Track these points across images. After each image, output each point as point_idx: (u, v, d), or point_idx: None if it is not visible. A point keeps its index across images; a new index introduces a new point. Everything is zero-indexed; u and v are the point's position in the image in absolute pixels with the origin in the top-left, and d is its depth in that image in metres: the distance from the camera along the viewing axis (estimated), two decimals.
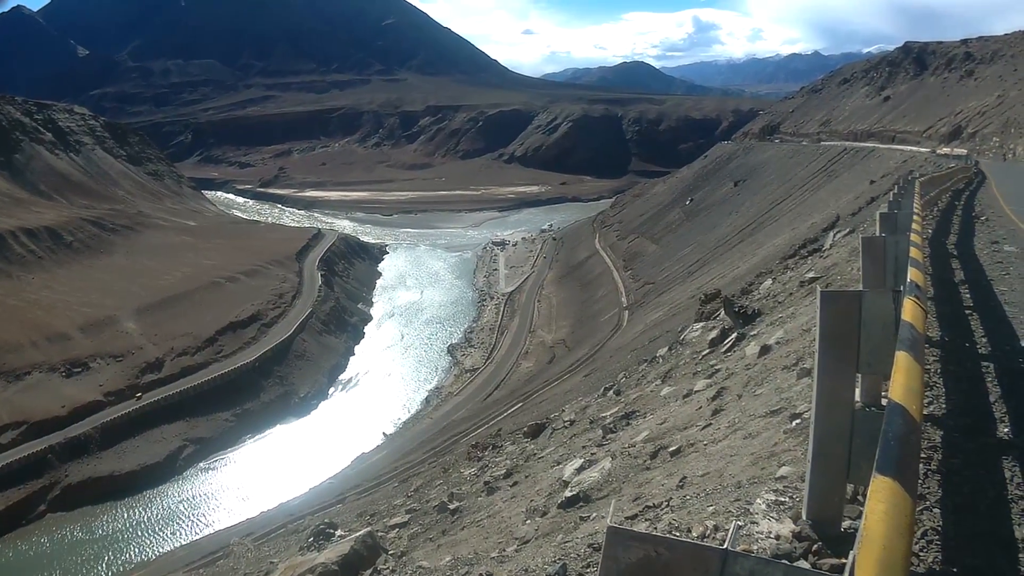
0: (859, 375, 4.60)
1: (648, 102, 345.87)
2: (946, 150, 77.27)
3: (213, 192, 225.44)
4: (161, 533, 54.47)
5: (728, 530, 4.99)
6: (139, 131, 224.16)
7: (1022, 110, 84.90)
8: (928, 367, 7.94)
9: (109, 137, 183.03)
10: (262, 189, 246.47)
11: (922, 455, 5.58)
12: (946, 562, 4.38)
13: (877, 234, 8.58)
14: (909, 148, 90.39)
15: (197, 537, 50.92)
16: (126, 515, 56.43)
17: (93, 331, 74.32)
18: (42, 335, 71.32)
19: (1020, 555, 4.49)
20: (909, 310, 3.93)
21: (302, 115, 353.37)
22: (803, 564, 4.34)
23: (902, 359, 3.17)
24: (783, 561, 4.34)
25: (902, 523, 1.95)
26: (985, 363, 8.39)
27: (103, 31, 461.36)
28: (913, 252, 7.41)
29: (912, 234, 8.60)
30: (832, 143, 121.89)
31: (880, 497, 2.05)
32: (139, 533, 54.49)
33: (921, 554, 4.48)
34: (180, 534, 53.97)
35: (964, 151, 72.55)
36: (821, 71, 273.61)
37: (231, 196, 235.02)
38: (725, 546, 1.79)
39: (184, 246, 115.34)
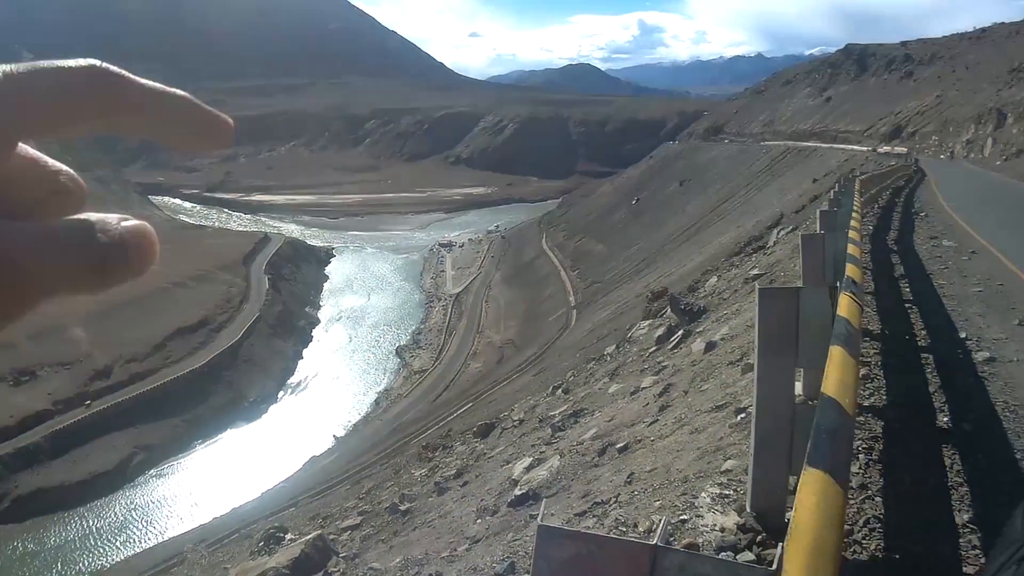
0: (800, 370, 4.69)
1: (594, 104, 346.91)
2: (886, 149, 78.33)
3: (160, 197, 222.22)
4: (114, 542, 53.64)
5: (672, 524, 5.07)
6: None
7: (960, 110, 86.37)
8: (869, 360, 8.10)
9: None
10: (209, 194, 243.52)
11: (864, 445, 5.70)
12: (888, 549, 4.48)
13: (817, 231, 8.73)
14: (851, 147, 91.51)
15: (150, 545, 50.14)
16: (78, 525, 55.54)
17: (40, 339, 73.00)
18: None
19: (961, 541, 4.61)
20: (845, 305, 4.02)
21: (248, 119, 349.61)
22: (748, 555, 4.42)
23: (836, 353, 3.25)
24: (722, 555, 4.44)
25: (833, 514, 2.01)
26: (924, 355, 8.58)
27: (50, 34, 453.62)
28: (851, 249, 7.55)
29: (851, 231, 8.75)
30: (776, 143, 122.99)
31: (811, 489, 2.11)
32: (92, 542, 53.64)
33: (864, 541, 4.58)
34: (133, 542, 53.17)
35: (904, 150, 73.56)
36: (764, 73, 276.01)
37: (178, 201, 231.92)
38: (655, 542, 1.83)
39: None
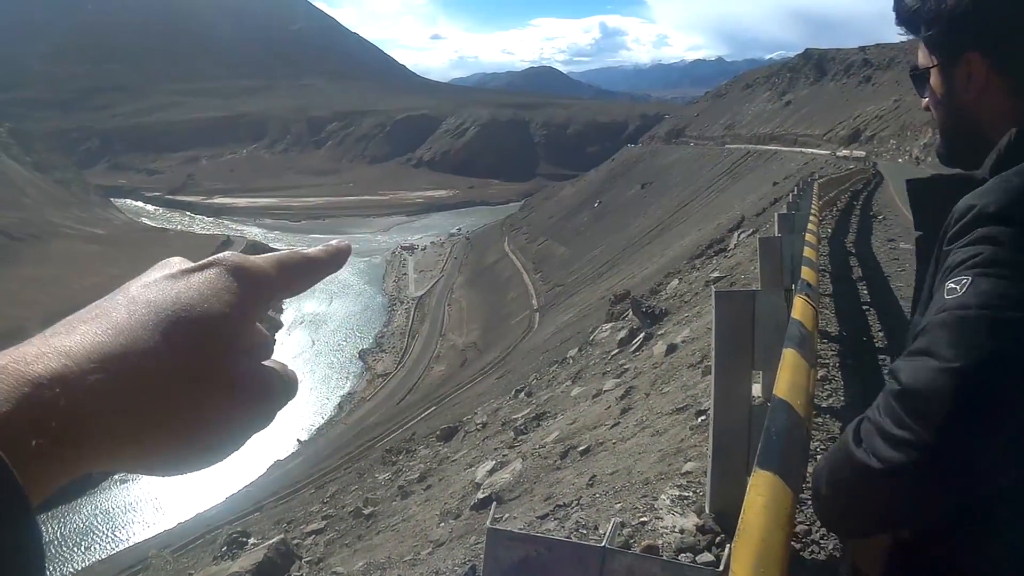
0: (758, 372, 4.76)
1: (556, 106, 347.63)
2: (845, 152, 79.09)
3: (121, 200, 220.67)
4: (78, 548, 53.11)
5: (632, 526, 5.12)
6: (46, 138, 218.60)
7: (917, 114, 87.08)
8: (827, 361, 8.20)
9: (15, 144, 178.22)
10: (171, 196, 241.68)
11: (822, 447, 5.77)
12: (845, 549, 4.54)
13: (775, 234, 8.81)
14: (810, 151, 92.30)
15: (115, 551, 49.72)
16: (43, 531, 54.95)
17: (1, 343, 71.90)
18: None
19: None
20: (799, 308, 4.09)
21: (210, 121, 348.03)
22: (707, 556, 4.47)
23: (788, 356, 3.30)
24: (681, 556, 4.49)
25: (781, 516, 2.05)
26: (882, 356, 8.70)
27: (8, 36, 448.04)
28: (807, 252, 7.64)
29: (808, 234, 8.85)
30: (736, 146, 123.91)
31: (759, 491, 2.15)
32: (55, 549, 53.02)
33: (821, 542, 4.65)
34: (97, 548, 52.66)
35: (863, 153, 74.30)
36: (725, 76, 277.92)
37: (140, 204, 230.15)
38: (603, 544, 1.87)
39: (93, 255, 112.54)
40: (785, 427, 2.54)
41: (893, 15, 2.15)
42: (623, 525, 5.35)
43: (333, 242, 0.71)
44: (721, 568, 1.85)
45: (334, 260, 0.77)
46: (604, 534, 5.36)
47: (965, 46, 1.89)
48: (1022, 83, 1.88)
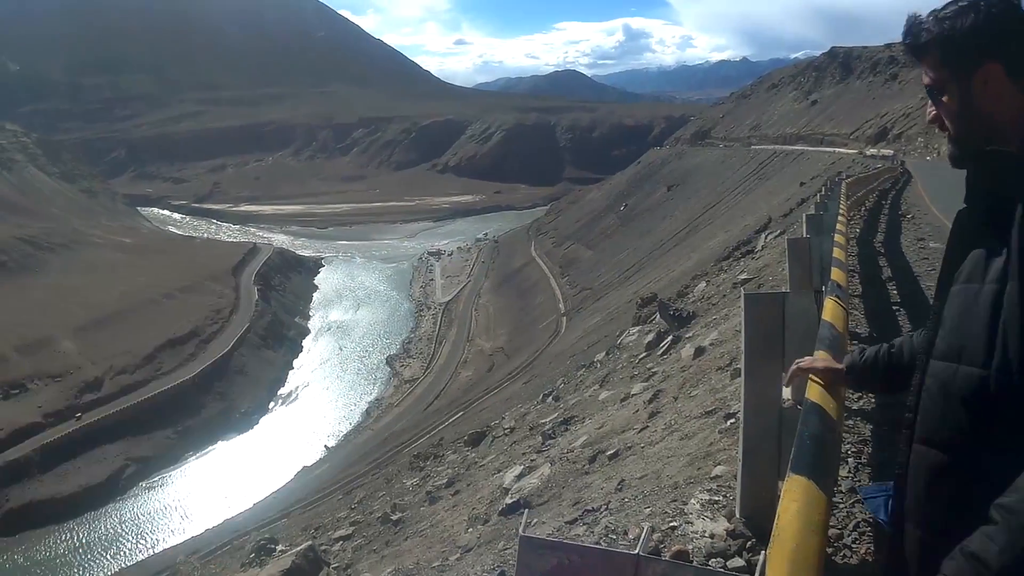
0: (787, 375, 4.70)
1: (581, 110, 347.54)
2: (873, 151, 78.59)
3: (148, 208, 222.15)
4: (106, 555, 53.54)
5: (662, 531, 5.08)
6: (72, 148, 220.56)
7: None
8: None
9: (42, 154, 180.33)
10: (197, 204, 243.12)
11: (852, 449, 5.71)
12: (879, 552, 4.49)
13: (803, 236, 8.74)
14: (837, 150, 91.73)
15: (143, 557, 50.08)
16: (69, 538, 55.40)
17: (30, 351, 72.82)
18: None
19: None
20: (829, 309, 4.04)
21: (235, 129, 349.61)
22: (738, 561, 4.43)
23: (820, 358, 3.26)
24: (711, 562, 4.44)
25: (815, 521, 2.02)
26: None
27: (33, 47, 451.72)
28: (836, 252, 7.56)
29: (836, 235, 8.77)
30: (762, 147, 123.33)
31: (793, 496, 2.11)
32: (83, 556, 53.51)
33: (853, 546, 4.59)
34: (125, 555, 53.08)
35: (890, 152, 73.79)
36: (750, 77, 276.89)
37: (166, 212, 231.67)
38: (637, 551, 1.84)
39: (120, 263, 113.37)
40: (818, 431, 2.50)
41: (920, 11, 2.32)
42: (653, 530, 5.31)
43: None
44: (756, 575, 1.81)
45: None
46: (633, 539, 5.32)
47: (980, 57, 2.13)
48: None
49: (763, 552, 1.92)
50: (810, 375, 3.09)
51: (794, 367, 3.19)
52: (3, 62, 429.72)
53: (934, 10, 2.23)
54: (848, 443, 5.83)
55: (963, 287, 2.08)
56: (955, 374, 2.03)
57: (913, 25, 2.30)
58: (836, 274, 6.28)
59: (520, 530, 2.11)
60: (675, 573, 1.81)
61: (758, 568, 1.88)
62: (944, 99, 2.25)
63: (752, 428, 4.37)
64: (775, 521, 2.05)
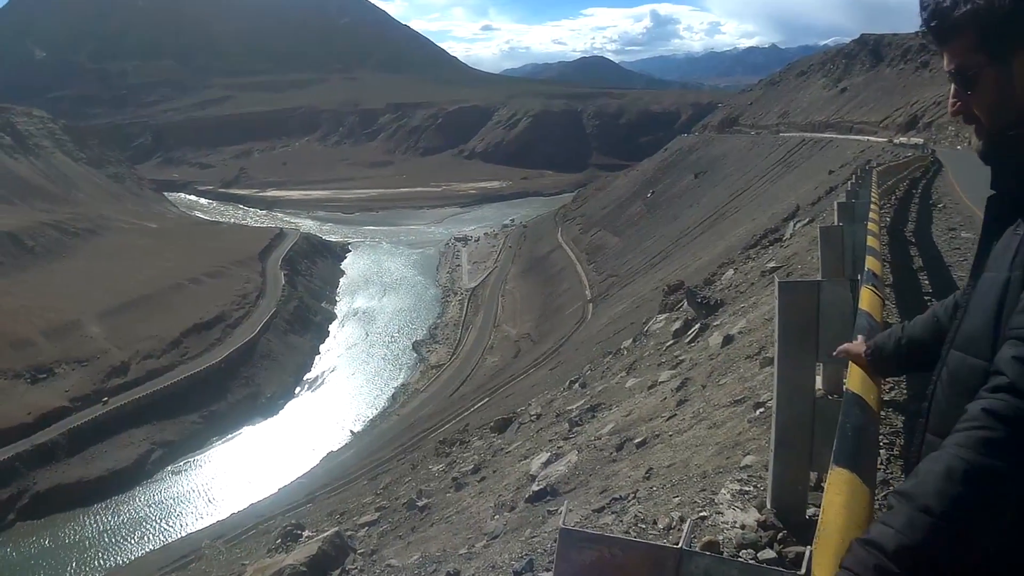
0: (820, 364, 4.65)
1: (608, 96, 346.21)
2: (903, 139, 77.72)
3: (174, 194, 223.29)
4: (131, 538, 53.95)
5: (692, 521, 5.03)
6: (99, 134, 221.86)
7: None
8: None
9: (69, 140, 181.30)
10: (223, 190, 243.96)
11: (885, 440, 5.65)
12: None
13: (835, 224, 8.65)
14: (867, 138, 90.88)
15: (168, 541, 50.40)
16: (96, 521, 55.88)
17: (57, 336, 73.39)
18: (5, 342, 70.26)
19: None
20: (866, 299, 3.98)
21: (261, 115, 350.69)
22: (769, 552, 4.38)
23: None
24: (742, 554, 4.39)
25: (860, 514, 1.97)
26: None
27: (60, 33, 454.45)
28: (870, 241, 7.48)
29: (869, 223, 8.67)
30: (791, 134, 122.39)
31: (837, 489, 2.07)
32: (109, 539, 53.95)
33: None
34: (151, 538, 53.47)
35: (921, 140, 73.00)
36: (779, 64, 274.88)
37: (192, 197, 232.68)
38: (680, 545, 1.79)
39: (146, 248, 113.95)
40: (861, 423, 2.45)
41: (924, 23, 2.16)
42: (682, 520, 5.26)
43: None
44: (803, 571, 1.76)
45: None
46: (664, 528, 5.28)
47: (1018, 44, 1.95)
48: None
49: (808, 548, 1.88)
50: (851, 360, 3.05)
51: (841, 348, 3.12)
52: (30, 48, 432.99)
53: None
54: (881, 434, 5.77)
55: (987, 276, 2.02)
56: (963, 365, 2.01)
57: (939, 3, 2.08)
58: (871, 263, 6.20)
59: (560, 521, 2.07)
60: (719, 568, 1.76)
61: (804, 562, 1.83)
62: (977, 86, 2.07)
63: (784, 418, 4.32)
64: (820, 515, 2.01)
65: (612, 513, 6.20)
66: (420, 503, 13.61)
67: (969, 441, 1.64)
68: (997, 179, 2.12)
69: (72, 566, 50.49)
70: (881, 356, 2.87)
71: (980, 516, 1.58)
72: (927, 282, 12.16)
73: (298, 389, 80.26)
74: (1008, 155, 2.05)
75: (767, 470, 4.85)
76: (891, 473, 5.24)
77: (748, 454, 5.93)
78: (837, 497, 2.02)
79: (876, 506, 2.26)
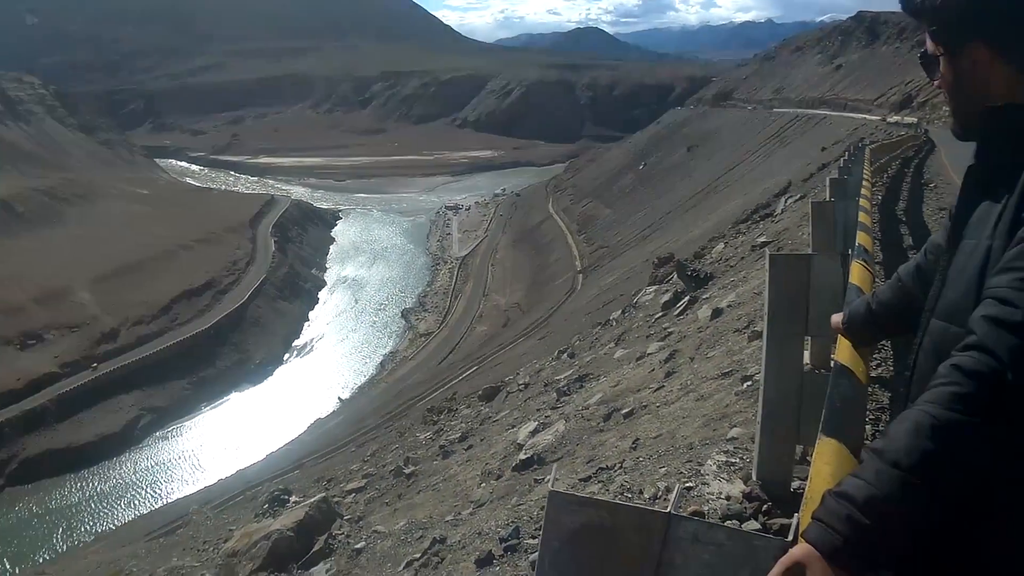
0: (808, 338, 4.66)
1: (602, 68, 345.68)
2: (896, 118, 77.73)
3: (166, 160, 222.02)
4: (120, 503, 54.11)
5: (680, 490, 5.05)
6: (90, 100, 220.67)
7: None
8: None
9: (60, 106, 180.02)
10: (215, 156, 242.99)
11: (871, 416, 5.67)
12: None
13: (827, 199, 8.66)
14: (860, 116, 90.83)
15: (156, 506, 50.52)
16: (85, 486, 56.01)
17: (47, 302, 73.20)
18: None
19: None
20: (857, 273, 3.99)
21: (255, 82, 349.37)
22: (753, 524, 4.40)
23: None
24: (727, 524, 4.42)
25: None
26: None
27: None
28: (862, 217, 7.49)
29: (861, 200, 8.68)
30: (785, 110, 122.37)
31: (825, 459, 2.09)
32: (98, 504, 54.08)
33: None
34: (139, 504, 53.63)
35: (914, 119, 72.95)
36: (774, 39, 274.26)
37: (184, 164, 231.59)
38: (668, 510, 1.81)
39: (138, 215, 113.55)
40: (849, 394, 2.47)
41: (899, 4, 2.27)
42: (668, 490, 5.29)
43: None
44: (790, 538, 1.78)
45: None
46: (649, 498, 5.31)
47: (968, 36, 2.04)
48: None
49: (796, 515, 1.90)
50: (834, 332, 3.10)
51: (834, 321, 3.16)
52: (21, 14, 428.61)
53: None
54: (867, 410, 5.79)
55: (966, 243, 2.06)
56: (945, 334, 2.04)
57: None
58: (862, 238, 6.21)
59: (549, 485, 2.07)
60: (707, 532, 1.77)
61: (791, 530, 1.85)
62: (936, 73, 2.21)
63: (772, 391, 4.34)
64: (807, 484, 2.03)
65: (599, 482, 6.23)
66: (407, 470, 13.64)
67: (937, 397, 1.68)
68: (981, 150, 2.17)
69: (60, 531, 50.61)
70: (855, 324, 2.92)
71: (948, 469, 1.61)
72: None
73: (287, 356, 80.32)
74: (989, 128, 2.09)
75: (753, 442, 4.87)
76: None
77: (735, 426, 5.95)
78: (825, 467, 2.04)
79: None
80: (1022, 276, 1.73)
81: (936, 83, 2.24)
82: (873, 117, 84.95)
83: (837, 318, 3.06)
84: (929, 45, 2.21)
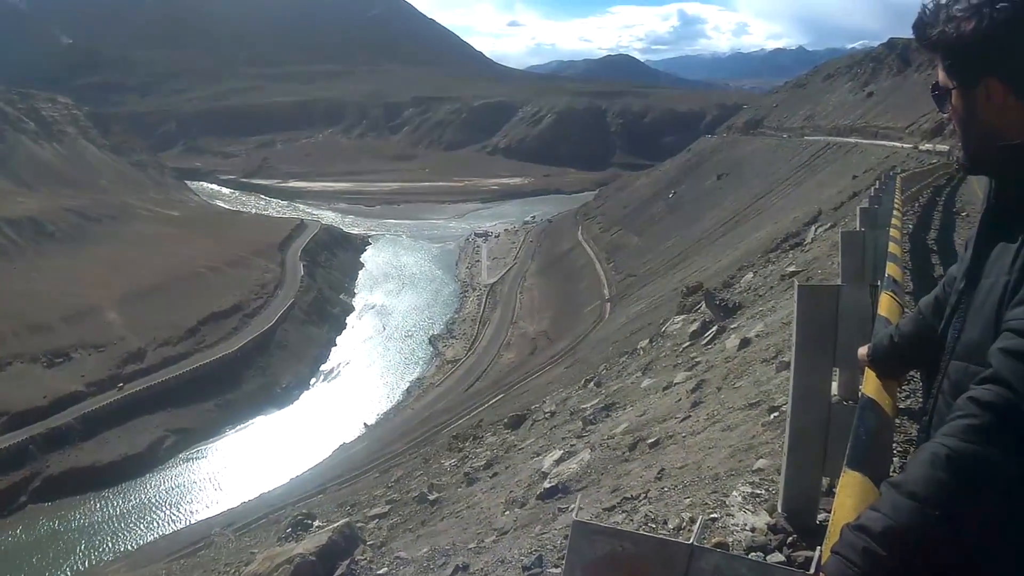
0: (836, 369, 4.62)
1: (633, 95, 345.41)
2: (928, 146, 77.30)
3: (197, 182, 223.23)
4: (142, 524, 54.23)
5: (704, 521, 5.01)
6: (122, 121, 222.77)
7: None
8: None
9: (92, 127, 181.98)
10: (245, 179, 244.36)
11: (899, 448, 5.61)
12: None
13: (857, 229, 8.61)
14: (892, 144, 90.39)
15: (178, 528, 50.58)
16: (107, 506, 56.19)
17: (75, 321, 73.83)
18: (24, 325, 70.74)
19: None
20: (885, 304, 3.96)
21: (286, 105, 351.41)
22: (778, 556, 4.36)
23: None
24: (752, 556, 4.37)
25: None
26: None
27: (87, 21, 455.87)
28: (892, 247, 7.44)
29: (891, 229, 8.62)
30: (815, 138, 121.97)
31: (849, 492, 2.07)
32: (120, 524, 54.23)
33: None
34: (161, 525, 53.72)
35: (946, 147, 72.51)
36: (805, 66, 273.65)
37: (214, 186, 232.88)
38: (691, 541, 1.79)
39: (167, 236, 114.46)
40: (875, 427, 2.44)
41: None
42: (692, 521, 5.25)
43: None
44: (811, 571, 1.76)
45: None
46: (674, 529, 5.26)
47: (983, 71, 2.05)
48: None
49: (818, 548, 1.88)
50: (860, 365, 3.09)
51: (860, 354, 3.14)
52: (56, 35, 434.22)
53: (943, 3, 2.14)
54: (895, 442, 5.74)
55: (984, 283, 2.05)
56: (965, 374, 2.01)
57: (919, 20, 2.23)
58: (892, 269, 6.16)
59: (573, 514, 2.06)
60: (729, 565, 1.76)
61: (814, 563, 1.83)
62: (947, 106, 2.23)
63: (799, 422, 4.31)
64: (831, 516, 2.01)
65: (623, 512, 6.19)
66: (431, 497, 13.63)
67: (954, 430, 1.67)
68: (997, 189, 2.19)
69: (81, 549, 50.79)
70: (879, 356, 2.92)
71: (964, 500, 1.60)
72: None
73: (313, 380, 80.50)
74: (1006, 167, 2.10)
75: (779, 474, 4.83)
76: None
77: (761, 457, 5.91)
78: (848, 499, 2.03)
79: None
80: None
81: (947, 116, 2.26)
82: (905, 145, 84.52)
83: (863, 350, 3.05)
84: (941, 77, 2.23)
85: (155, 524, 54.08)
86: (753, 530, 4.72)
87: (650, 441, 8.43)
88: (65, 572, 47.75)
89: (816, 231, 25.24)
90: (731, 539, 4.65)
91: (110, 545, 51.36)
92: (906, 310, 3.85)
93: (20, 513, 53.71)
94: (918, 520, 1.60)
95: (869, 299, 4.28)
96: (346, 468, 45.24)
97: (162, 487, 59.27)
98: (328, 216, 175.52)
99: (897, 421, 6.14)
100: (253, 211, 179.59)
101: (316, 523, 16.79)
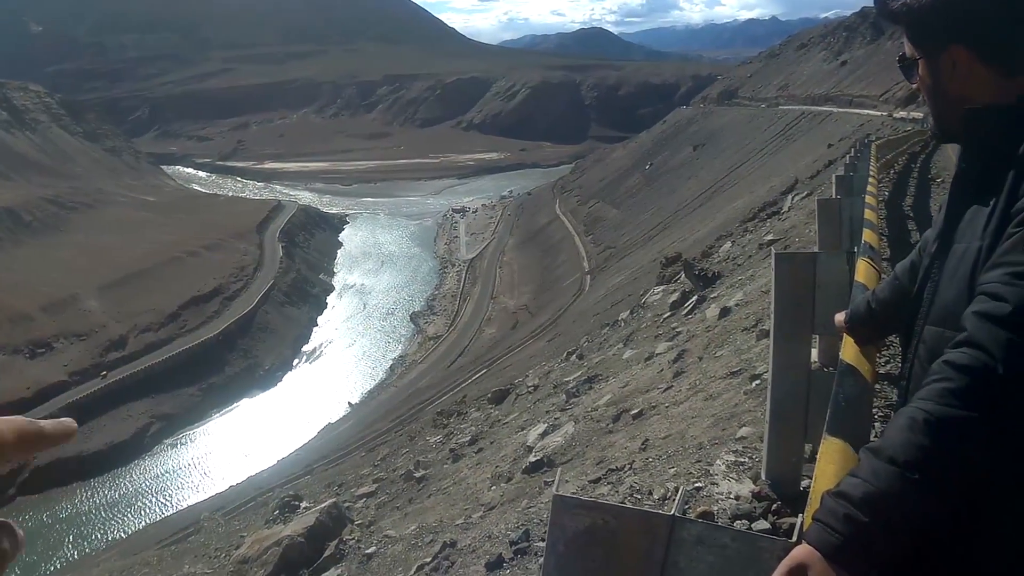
0: (815, 336, 4.65)
1: (607, 68, 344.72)
2: (903, 114, 77.36)
3: (172, 167, 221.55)
4: (131, 511, 54.14)
5: (687, 491, 5.05)
6: (96, 107, 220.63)
7: None
8: None
9: (65, 114, 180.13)
10: (221, 162, 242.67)
11: (880, 414, 5.66)
12: None
13: (833, 197, 8.64)
14: (866, 112, 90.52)
15: (167, 514, 50.48)
16: (95, 495, 56.06)
17: (55, 311, 73.36)
18: (4, 316, 70.19)
19: None
20: (863, 271, 3.97)
21: (260, 87, 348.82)
22: (763, 524, 4.40)
23: None
24: (737, 524, 4.41)
25: None
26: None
27: (57, 7, 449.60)
28: (868, 214, 7.46)
29: (867, 196, 8.66)
30: (790, 107, 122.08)
31: (830, 458, 2.09)
32: (109, 512, 54.13)
33: None
34: (150, 512, 53.64)
35: (920, 115, 72.57)
36: (779, 36, 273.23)
37: (190, 170, 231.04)
38: (673, 512, 1.81)
39: (144, 222, 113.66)
40: (854, 393, 2.46)
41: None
42: (677, 490, 5.28)
43: (65, 420, 0.89)
44: (794, 539, 1.78)
45: (63, 436, 0.88)
46: (659, 499, 5.30)
47: (947, 39, 2.06)
48: (1007, 66, 2.00)
49: (800, 515, 1.90)
50: (839, 331, 3.11)
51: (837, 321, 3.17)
52: (26, 23, 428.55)
53: None
54: (876, 407, 5.78)
55: (957, 247, 2.07)
56: (941, 339, 2.02)
57: None
58: (869, 235, 6.19)
59: (553, 488, 2.09)
60: (711, 535, 1.78)
61: (796, 530, 1.85)
62: (913, 76, 2.25)
63: (780, 390, 4.33)
64: (811, 484, 2.03)
65: (608, 484, 6.23)
66: (417, 474, 13.66)
67: (930, 393, 1.70)
68: (965, 154, 2.20)
69: (71, 539, 50.68)
70: (856, 322, 2.94)
71: (944, 464, 1.63)
72: None
73: (296, 361, 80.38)
74: (972, 131, 2.10)
75: (762, 442, 4.87)
76: None
77: (744, 426, 5.95)
78: (829, 466, 2.04)
79: None
80: (1012, 271, 1.74)
81: (915, 85, 2.28)
82: (879, 113, 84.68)
83: (840, 317, 3.07)
84: (907, 48, 2.23)
85: (144, 511, 54.00)
86: (738, 498, 4.75)
87: (633, 412, 8.45)
88: (57, 563, 47.59)
89: (793, 199, 25.26)
90: (716, 508, 4.68)
91: (100, 534, 51.27)
92: (883, 276, 3.87)
93: (10, 506, 53.42)
94: (897, 485, 1.62)
95: (846, 266, 4.31)
96: (332, 448, 45.21)
97: (149, 474, 59.16)
98: (305, 196, 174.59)
99: (878, 386, 6.19)
100: (230, 194, 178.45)
101: (304, 504, 16.81)
